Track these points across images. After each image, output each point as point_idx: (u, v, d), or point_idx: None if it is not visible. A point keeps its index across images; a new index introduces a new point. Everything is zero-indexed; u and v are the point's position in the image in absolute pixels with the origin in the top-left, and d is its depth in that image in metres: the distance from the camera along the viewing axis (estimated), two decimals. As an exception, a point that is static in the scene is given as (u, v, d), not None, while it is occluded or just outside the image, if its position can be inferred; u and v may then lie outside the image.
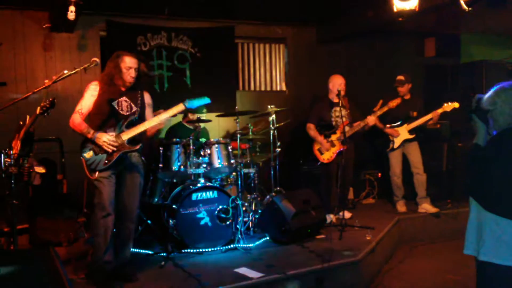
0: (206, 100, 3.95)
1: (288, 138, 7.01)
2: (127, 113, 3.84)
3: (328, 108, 5.72)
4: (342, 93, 5.59)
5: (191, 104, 3.90)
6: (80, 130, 3.71)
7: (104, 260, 3.74)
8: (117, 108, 3.80)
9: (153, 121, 3.84)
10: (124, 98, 3.85)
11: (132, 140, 3.81)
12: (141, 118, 3.92)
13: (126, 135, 3.77)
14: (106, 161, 3.71)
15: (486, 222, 2.40)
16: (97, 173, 3.70)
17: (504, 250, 2.33)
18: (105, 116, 3.77)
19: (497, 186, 2.35)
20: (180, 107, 3.90)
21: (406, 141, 6.02)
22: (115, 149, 3.70)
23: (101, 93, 3.77)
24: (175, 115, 4.00)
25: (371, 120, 5.63)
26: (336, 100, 5.55)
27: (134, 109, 3.88)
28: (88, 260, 4.03)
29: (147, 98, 4.02)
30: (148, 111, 4.01)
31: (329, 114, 5.71)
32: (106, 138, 3.67)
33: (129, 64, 3.78)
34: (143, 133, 3.88)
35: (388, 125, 6.03)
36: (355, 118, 5.70)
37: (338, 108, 5.54)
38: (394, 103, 5.58)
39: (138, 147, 3.83)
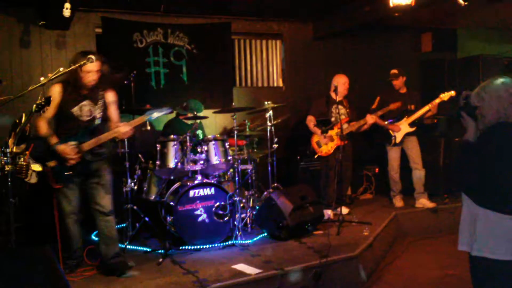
0: (167, 110, 4.06)
1: (285, 134, 7.01)
2: (88, 118, 3.85)
3: (329, 105, 5.74)
4: (346, 92, 5.73)
5: (151, 115, 3.97)
6: (43, 134, 3.75)
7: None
8: (79, 113, 3.81)
9: (113, 134, 3.84)
10: (85, 102, 3.84)
11: (96, 148, 3.85)
12: (104, 119, 3.93)
13: (87, 146, 3.79)
14: (69, 172, 3.77)
15: (478, 217, 2.41)
16: (59, 182, 3.79)
17: (496, 245, 2.34)
18: (66, 120, 3.81)
19: (487, 181, 2.36)
20: (142, 118, 3.99)
21: (406, 135, 6.03)
22: (76, 160, 3.74)
23: (62, 96, 3.77)
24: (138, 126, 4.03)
25: (371, 119, 5.68)
26: (336, 97, 5.62)
27: (95, 113, 3.87)
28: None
29: (110, 96, 3.97)
30: (113, 108, 3.98)
31: (329, 110, 5.73)
32: (68, 150, 3.70)
33: (88, 68, 3.72)
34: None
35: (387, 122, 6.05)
36: (352, 119, 5.78)
37: (338, 106, 5.62)
38: (395, 106, 5.74)
39: (100, 157, 3.90)
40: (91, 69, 3.74)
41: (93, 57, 3.67)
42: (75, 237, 4.02)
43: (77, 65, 3.64)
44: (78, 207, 3.92)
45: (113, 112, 3.99)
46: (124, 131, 3.80)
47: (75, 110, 3.80)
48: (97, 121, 3.87)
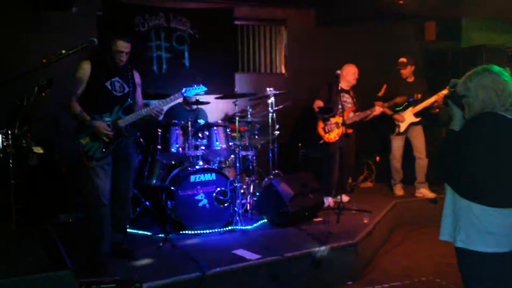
0: (202, 88, 4.08)
1: (287, 121, 6.98)
2: (120, 94, 3.84)
3: (334, 92, 5.73)
4: (354, 82, 5.76)
5: (188, 93, 4.07)
6: (74, 113, 3.70)
7: (102, 252, 3.76)
8: (110, 88, 3.80)
9: (149, 111, 3.88)
10: (117, 78, 3.85)
11: (129, 126, 3.85)
12: (133, 99, 3.93)
13: (123, 122, 3.79)
14: (103, 150, 3.73)
15: (461, 209, 2.40)
16: (93, 161, 3.71)
17: (478, 237, 2.33)
18: (98, 96, 3.77)
19: (470, 172, 2.33)
20: (177, 96, 4.03)
21: (411, 125, 6.01)
22: (112, 138, 3.73)
23: (93, 72, 3.75)
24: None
25: (379, 109, 5.67)
26: (343, 86, 5.66)
27: (127, 89, 3.88)
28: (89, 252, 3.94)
29: (137, 78, 4.03)
30: (139, 91, 4.03)
31: (335, 98, 5.72)
32: (104, 126, 3.68)
33: (120, 48, 3.75)
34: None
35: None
36: (358, 108, 5.80)
37: (345, 94, 5.68)
38: (401, 99, 5.79)
39: (134, 135, 3.92)
40: (123, 50, 3.76)
41: (95, 39, 3.66)
42: (104, 234, 3.77)
43: (79, 47, 3.62)
44: (106, 194, 3.73)
45: (139, 94, 4.04)
46: (159, 109, 3.87)
47: (107, 84, 3.79)
48: (130, 101, 3.88)
